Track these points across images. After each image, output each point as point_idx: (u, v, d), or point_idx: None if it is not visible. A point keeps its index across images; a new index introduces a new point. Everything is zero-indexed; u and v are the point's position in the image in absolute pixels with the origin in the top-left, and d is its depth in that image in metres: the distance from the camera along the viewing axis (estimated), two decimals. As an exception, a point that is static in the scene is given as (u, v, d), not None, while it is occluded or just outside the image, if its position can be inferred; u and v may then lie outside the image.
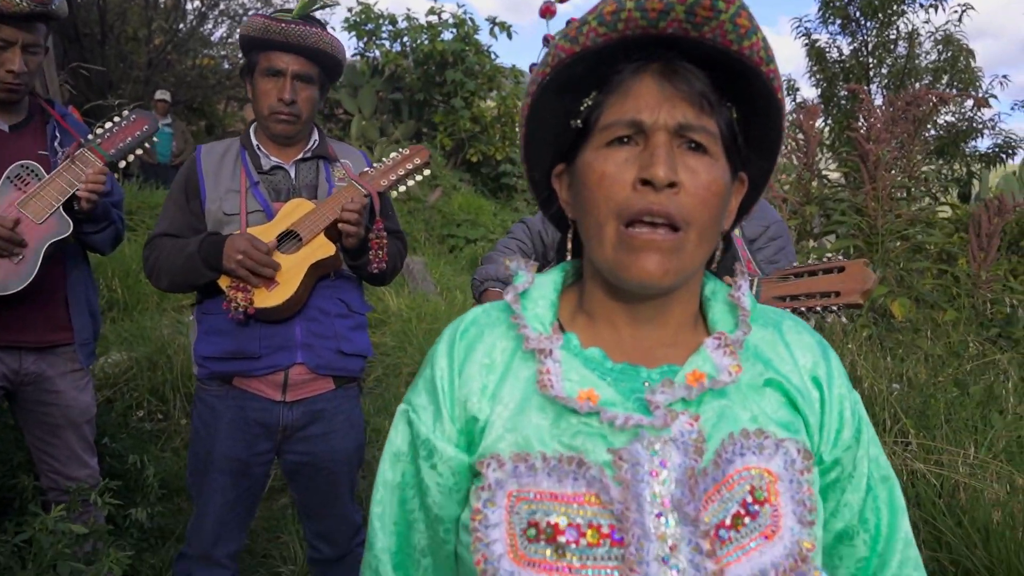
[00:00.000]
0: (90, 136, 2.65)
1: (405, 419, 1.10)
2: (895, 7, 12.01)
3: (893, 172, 5.45)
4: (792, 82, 12.92)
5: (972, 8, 11.45)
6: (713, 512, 0.95)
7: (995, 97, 11.86)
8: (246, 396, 2.55)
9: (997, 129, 11.69)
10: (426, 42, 14.54)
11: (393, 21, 15.28)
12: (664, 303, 1.05)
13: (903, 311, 4.83)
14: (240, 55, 2.97)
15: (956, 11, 11.63)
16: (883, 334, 4.74)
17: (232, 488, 2.59)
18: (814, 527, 0.99)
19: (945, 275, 5.53)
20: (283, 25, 2.47)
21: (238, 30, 13.59)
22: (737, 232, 2.29)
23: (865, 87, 11.56)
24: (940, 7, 11.62)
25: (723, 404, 1.01)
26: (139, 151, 2.75)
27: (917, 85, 11.50)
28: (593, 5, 1.00)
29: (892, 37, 12.29)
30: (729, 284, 1.13)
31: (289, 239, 2.52)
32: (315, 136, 2.71)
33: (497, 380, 1.04)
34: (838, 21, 12.49)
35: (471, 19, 14.90)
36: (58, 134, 2.79)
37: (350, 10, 15.09)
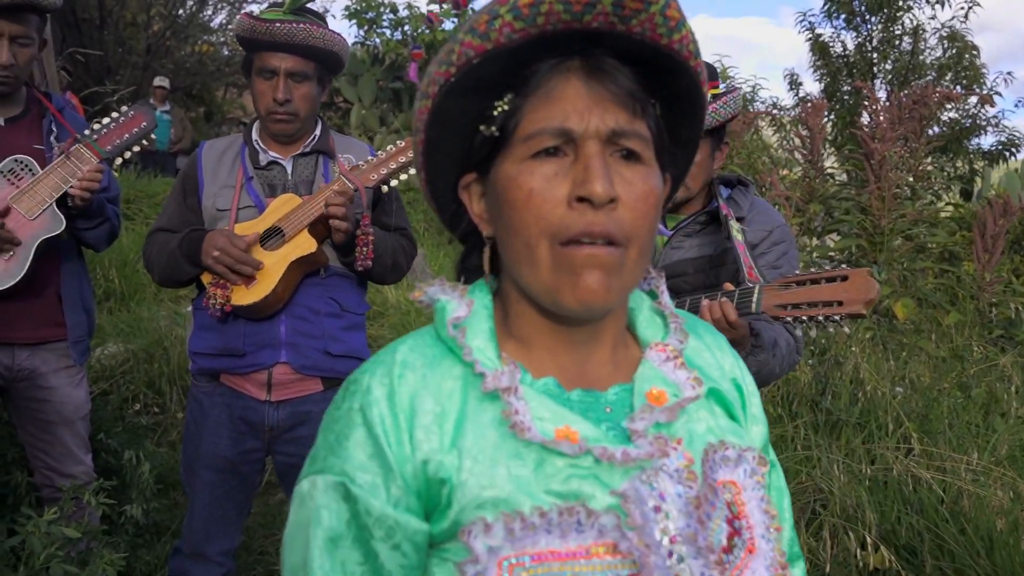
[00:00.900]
0: (86, 132, 2.61)
1: (339, 493, 0.88)
2: (900, 3, 11.93)
3: (897, 171, 5.41)
4: (795, 76, 12.84)
5: (978, 4, 11.38)
6: (714, 538, 0.91)
7: (999, 94, 11.81)
8: (233, 394, 2.53)
9: (1000, 126, 11.62)
10: (427, 31, 14.46)
11: (394, 9, 15.20)
12: (600, 323, 0.96)
13: (906, 312, 4.80)
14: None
15: (962, 7, 11.54)
16: (886, 335, 4.71)
17: (220, 485, 2.56)
18: (780, 532, 0.97)
19: (948, 275, 5.50)
20: (268, 25, 2.42)
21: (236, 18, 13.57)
22: (739, 237, 2.25)
23: (869, 83, 11.51)
24: (946, 3, 11.54)
25: (685, 420, 0.96)
26: (136, 147, 2.71)
27: (921, 81, 11.44)
28: None
29: (897, 33, 12.21)
30: (649, 292, 1.07)
31: (273, 235, 2.48)
32: (317, 131, 2.67)
33: (454, 430, 0.89)
34: (843, 16, 12.40)
35: (473, 9, 14.82)
36: (54, 128, 2.74)
37: (351, -2, 15.02)
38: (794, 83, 12.79)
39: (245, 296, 2.44)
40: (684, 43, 0.91)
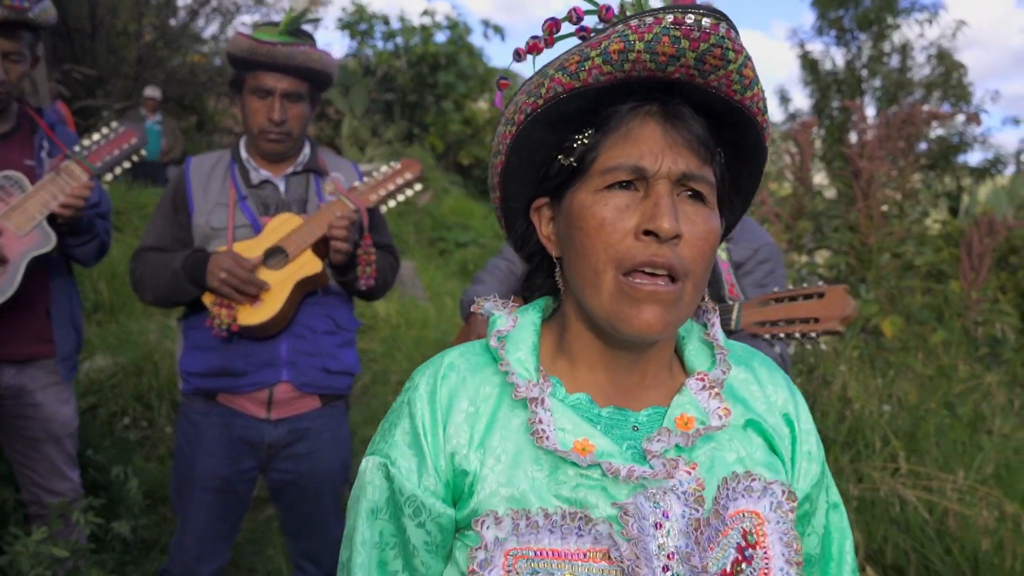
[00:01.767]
0: (76, 148, 2.61)
1: (383, 473, 1.03)
2: (889, 20, 12.05)
3: (886, 190, 5.45)
4: (785, 92, 12.95)
5: (965, 24, 11.51)
6: (714, 560, 0.96)
7: (986, 112, 11.93)
8: (230, 413, 2.52)
9: (987, 144, 11.75)
10: (419, 43, 14.51)
11: (386, 21, 15.25)
12: (648, 347, 1.04)
13: (893, 329, 4.83)
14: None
15: (951, 27, 11.67)
16: (874, 353, 4.74)
17: (215, 506, 2.55)
18: (801, 567, 1.01)
19: (935, 293, 5.54)
20: (269, 47, 2.43)
21: (229, 34, 13.51)
22: (723, 256, 2.28)
23: (859, 101, 11.59)
24: (934, 22, 11.66)
25: (712, 448, 1.01)
26: (127, 163, 2.71)
27: (909, 99, 11.53)
28: (592, 39, 0.97)
29: (886, 50, 12.33)
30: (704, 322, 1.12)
31: (275, 255, 2.48)
32: (306, 150, 2.68)
33: (484, 430, 1.01)
34: (832, 32, 12.52)
35: (464, 23, 14.88)
36: (45, 144, 2.74)
37: (344, 10, 15.05)
38: (784, 99, 12.89)
39: (251, 316, 2.44)
40: (755, 100, 0.98)
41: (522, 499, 0.95)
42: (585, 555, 0.93)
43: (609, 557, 0.93)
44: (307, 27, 2.58)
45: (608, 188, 0.98)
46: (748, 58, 0.94)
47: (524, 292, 1.16)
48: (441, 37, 14.82)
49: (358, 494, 1.06)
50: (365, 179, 2.65)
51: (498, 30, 15.43)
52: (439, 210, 12.00)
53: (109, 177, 2.68)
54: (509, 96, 1.06)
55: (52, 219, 2.56)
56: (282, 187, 2.61)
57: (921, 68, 12.23)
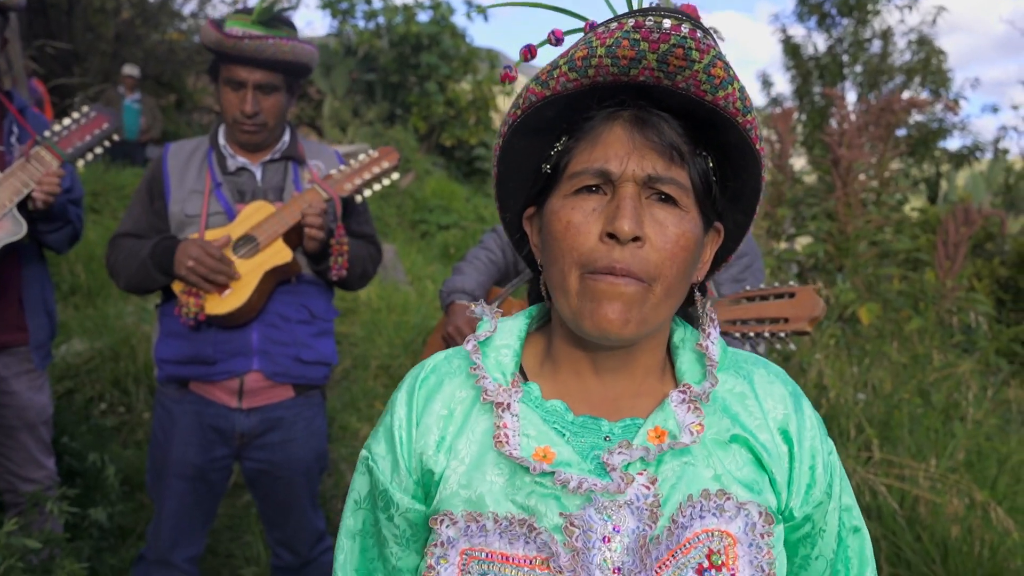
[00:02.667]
0: (47, 134, 2.57)
1: (365, 466, 1.09)
2: (870, 6, 12.07)
3: (863, 177, 5.48)
4: (767, 76, 12.97)
5: (945, 10, 11.55)
6: None
7: (965, 99, 12.02)
8: (202, 401, 2.52)
9: (966, 130, 11.83)
10: (401, 23, 14.38)
11: (368, 0, 15.09)
12: (629, 353, 1.03)
13: (870, 316, 4.88)
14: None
15: (931, 12, 11.72)
16: (850, 340, 4.78)
17: (189, 494, 2.56)
18: None
19: (911, 280, 5.59)
20: (235, 41, 2.39)
21: (208, 12, 13.30)
22: None
23: (840, 88, 11.64)
24: (914, 7, 11.69)
25: (684, 462, 0.98)
26: (99, 149, 2.67)
27: (890, 84, 11.59)
28: (568, 49, 0.98)
29: (867, 36, 12.36)
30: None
31: (246, 243, 2.46)
32: (286, 137, 2.65)
33: (455, 432, 1.03)
34: (814, 17, 12.54)
35: (447, 3, 14.76)
36: (15, 129, 2.70)
37: (325, -12, 14.88)
38: (766, 83, 12.91)
39: (219, 305, 2.43)
40: (731, 100, 0.96)
41: (478, 502, 0.98)
42: (531, 561, 0.94)
43: (550, 567, 0.93)
44: (287, 12, 2.54)
45: (576, 192, 0.98)
46: (717, 57, 0.92)
47: (529, 299, 1.18)
48: (424, 17, 14.70)
49: (352, 482, 1.13)
50: (342, 167, 2.62)
51: (481, 10, 15.32)
52: (421, 192, 11.93)
53: (80, 164, 2.65)
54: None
55: (23, 206, 2.53)
56: (259, 175, 2.59)
57: (902, 54, 12.29)
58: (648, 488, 0.95)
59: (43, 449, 2.87)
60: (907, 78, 11.96)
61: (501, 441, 0.98)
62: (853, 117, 5.75)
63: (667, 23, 0.91)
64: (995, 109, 19.23)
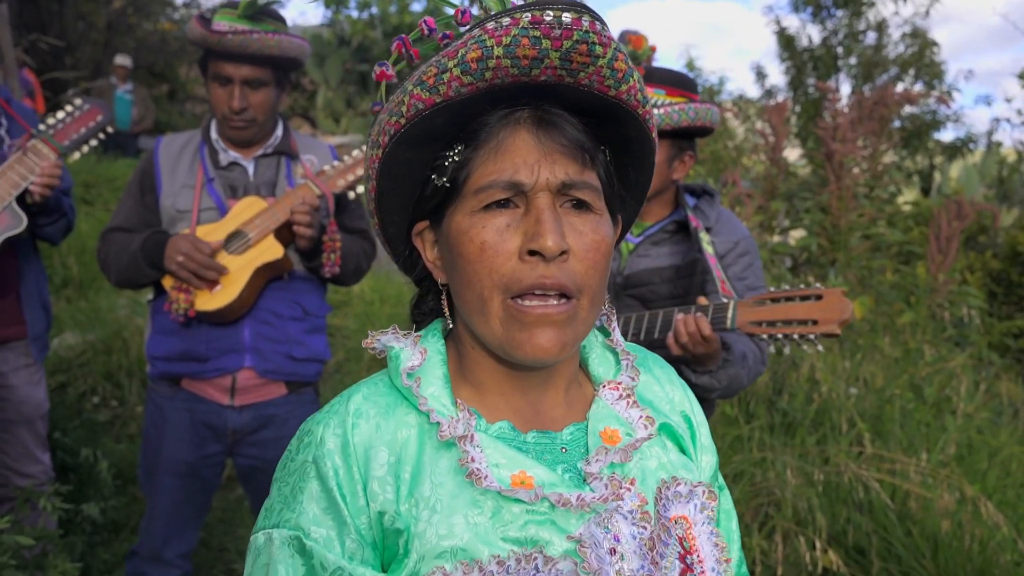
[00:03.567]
0: (42, 127, 2.56)
1: (294, 547, 0.88)
2: (865, -2, 12.07)
3: (857, 171, 5.49)
4: (761, 68, 12.96)
5: (939, 1, 11.54)
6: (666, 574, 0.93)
7: (959, 90, 12.04)
8: (194, 398, 2.52)
9: (960, 122, 11.85)
10: (395, 13, 14.32)
11: (362, -10, 15.01)
12: (553, 367, 0.99)
13: (863, 310, 4.89)
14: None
15: (925, 3, 11.71)
16: (842, 333, 4.79)
17: (181, 490, 2.55)
18: (729, 564, 1.00)
19: (903, 273, 5.61)
20: (219, 37, 2.37)
21: (201, 1, 13.20)
22: (709, 250, 2.26)
23: (834, 80, 11.64)
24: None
25: (638, 459, 0.98)
26: (93, 141, 2.66)
27: (884, 76, 11.60)
28: (448, 47, 0.90)
29: (862, 28, 12.36)
30: (604, 329, 1.08)
31: (237, 239, 2.45)
32: (278, 131, 2.64)
33: (411, 479, 0.90)
34: (809, 8, 12.52)
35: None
36: (4, 121, 2.69)
37: (318, -22, 14.81)
38: (760, 75, 12.90)
39: (209, 301, 2.42)
40: (632, 93, 0.91)
41: (469, 549, 0.87)
42: None
43: None
44: (276, 5, 2.52)
45: (485, 208, 0.91)
46: (618, 50, 0.88)
47: (414, 318, 1.08)
48: (418, 7, 14.64)
49: None
50: (335, 163, 2.61)
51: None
52: (415, 183, 11.87)
53: (75, 156, 2.64)
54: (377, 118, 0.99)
55: (20, 199, 2.52)
56: (251, 169, 2.58)
57: (896, 46, 12.30)
58: (630, 490, 0.94)
59: (39, 444, 2.88)
60: (901, 70, 11.98)
61: (478, 477, 0.88)
62: (846, 110, 5.75)
63: (567, 17, 0.84)
64: (988, 102, 19.27)
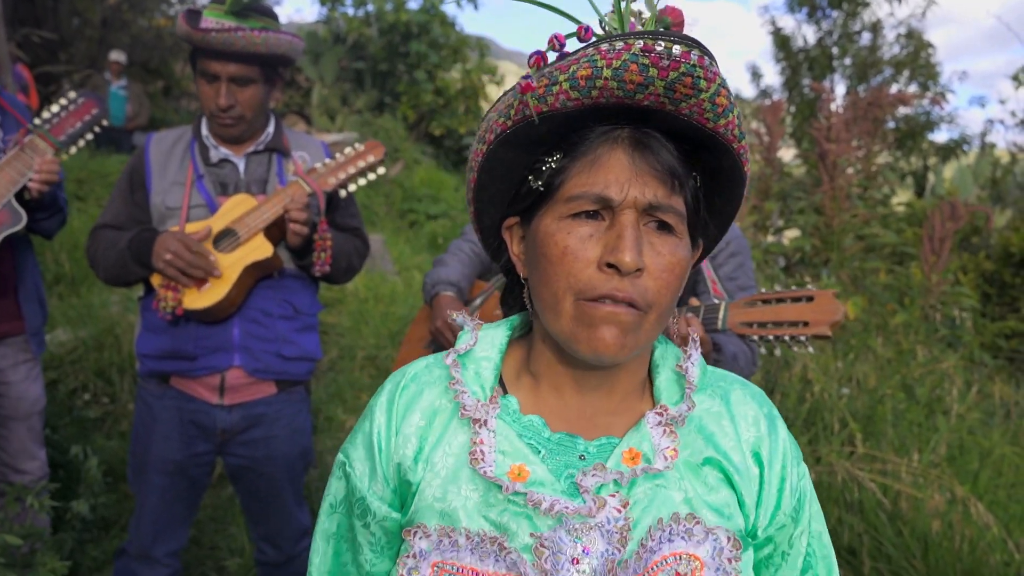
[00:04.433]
0: (37, 121, 2.55)
1: (342, 471, 1.08)
2: (860, -2, 12.09)
3: (851, 171, 5.49)
4: (756, 68, 12.98)
5: (935, 3, 11.56)
6: None
7: (953, 92, 12.06)
8: (183, 397, 2.50)
9: (954, 123, 11.87)
10: (391, 11, 14.29)
11: (358, -12, 14.97)
12: (613, 372, 1.03)
13: (856, 310, 4.89)
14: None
15: (920, 5, 11.73)
16: (835, 334, 4.80)
17: (170, 489, 2.54)
18: None
19: (897, 274, 5.62)
20: (203, 35, 2.35)
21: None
22: None
23: (828, 82, 11.65)
24: (903, 0, 11.73)
25: (656, 485, 0.99)
26: (89, 135, 2.65)
27: (879, 77, 11.62)
28: (562, 61, 0.94)
29: (857, 29, 12.39)
30: (682, 349, 1.10)
31: (226, 237, 2.44)
32: (270, 128, 2.62)
33: (433, 444, 1.02)
34: (804, 9, 12.54)
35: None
36: (-1, 117, 2.67)
37: (314, -25, 14.77)
38: (756, 75, 12.91)
39: (197, 300, 2.40)
40: (730, 128, 0.95)
41: (452, 515, 0.98)
42: None
43: None
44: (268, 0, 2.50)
45: (573, 216, 0.96)
46: (722, 85, 0.92)
47: (503, 306, 1.16)
48: (414, 5, 14.61)
49: (327, 485, 1.12)
50: (327, 161, 2.59)
51: (471, -1, 15.24)
52: (410, 181, 11.88)
53: (72, 151, 2.63)
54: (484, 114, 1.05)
55: (19, 195, 2.51)
56: (241, 166, 2.56)
57: (891, 47, 12.32)
58: (619, 511, 0.96)
59: (36, 440, 2.87)
60: (896, 71, 12.01)
61: (477, 458, 0.98)
62: (841, 111, 5.76)
63: (677, 50, 0.88)
64: (982, 103, 19.34)
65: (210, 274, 2.38)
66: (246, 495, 2.67)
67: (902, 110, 10.76)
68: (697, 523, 0.97)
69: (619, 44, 0.90)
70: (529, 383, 1.07)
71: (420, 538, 0.98)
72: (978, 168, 11.25)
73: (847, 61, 12.43)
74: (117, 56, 11.42)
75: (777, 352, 2.09)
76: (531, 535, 0.95)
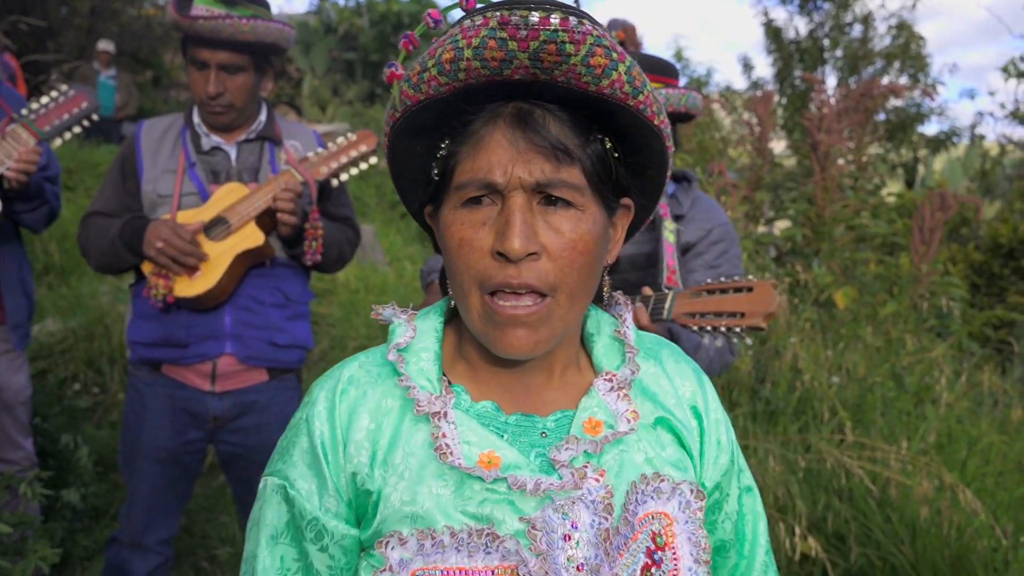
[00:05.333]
0: (24, 111, 2.53)
1: (281, 495, 0.98)
2: (851, -11, 12.10)
3: (842, 162, 5.51)
4: (748, 60, 13.00)
5: (926, -6, 11.59)
6: (624, 567, 0.95)
7: (943, 84, 12.12)
8: (175, 384, 2.50)
9: (944, 115, 11.92)
10: (382, 1, 14.25)
11: (349, -22, 14.93)
12: (545, 353, 1.00)
13: (846, 300, 4.92)
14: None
15: (911, -3, 11.75)
16: (825, 324, 4.83)
17: (161, 476, 2.54)
18: (709, 564, 1.01)
19: (886, 264, 5.64)
20: (191, 22, 2.35)
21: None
22: (670, 239, 2.24)
23: (820, 72, 11.68)
24: (895, -8, 11.75)
25: (621, 450, 0.99)
26: (77, 128, 2.63)
27: (870, 69, 11.66)
28: (433, 45, 0.91)
29: (848, 20, 12.41)
30: (616, 317, 1.09)
31: (218, 225, 2.44)
32: (261, 116, 2.62)
33: (387, 446, 0.96)
34: (796, 0, 12.56)
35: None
36: (-13, 106, 2.65)
37: (305, -36, 14.71)
38: (747, 67, 12.93)
39: (188, 287, 2.40)
40: (617, 86, 0.89)
41: (427, 517, 0.92)
42: (493, 572, 0.91)
43: (518, 573, 0.91)
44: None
45: (465, 204, 0.93)
46: (595, 44, 0.86)
47: (442, 290, 1.12)
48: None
49: (257, 516, 1.00)
50: (319, 150, 2.59)
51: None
52: (401, 172, 11.81)
53: (58, 143, 2.61)
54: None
55: None
56: (233, 154, 2.56)
57: (882, 39, 12.37)
58: (598, 481, 0.96)
59: (21, 430, 2.85)
60: (886, 63, 12.05)
61: (444, 452, 0.93)
62: (832, 102, 5.77)
63: (535, 17, 0.84)
64: (972, 95, 19.44)
65: (201, 262, 2.38)
66: (237, 483, 2.67)
67: (893, 102, 10.78)
68: (663, 480, 0.99)
69: (478, 19, 0.86)
70: (465, 370, 1.03)
71: (393, 548, 0.92)
72: (967, 160, 11.30)
73: (838, 53, 12.47)
74: (106, 45, 11.34)
75: (719, 343, 2.09)
76: (520, 519, 0.92)
